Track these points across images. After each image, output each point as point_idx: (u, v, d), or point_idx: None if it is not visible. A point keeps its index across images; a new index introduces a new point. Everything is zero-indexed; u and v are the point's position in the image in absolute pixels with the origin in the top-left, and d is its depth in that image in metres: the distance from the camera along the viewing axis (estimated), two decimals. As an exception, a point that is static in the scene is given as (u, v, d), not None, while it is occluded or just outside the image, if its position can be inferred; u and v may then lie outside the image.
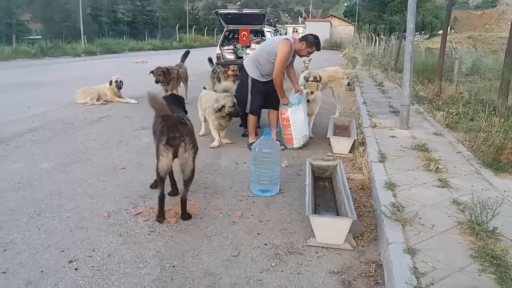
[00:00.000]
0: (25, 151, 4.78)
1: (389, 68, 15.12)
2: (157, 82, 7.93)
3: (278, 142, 4.65)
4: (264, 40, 13.80)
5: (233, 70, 8.54)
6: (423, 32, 46.83)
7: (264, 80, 5.36)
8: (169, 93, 7.87)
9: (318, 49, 5.25)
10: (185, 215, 3.45)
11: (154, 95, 3.08)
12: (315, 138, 6.13)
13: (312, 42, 5.15)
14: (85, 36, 25.71)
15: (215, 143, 5.64)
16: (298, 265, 2.83)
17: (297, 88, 5.63)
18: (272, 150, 3.97)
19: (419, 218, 3.13)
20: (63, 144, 4.87)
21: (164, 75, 7.92)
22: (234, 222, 3.46)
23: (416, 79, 10.83)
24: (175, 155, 3.26)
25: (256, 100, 5.47)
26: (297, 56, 5.42)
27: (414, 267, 2.48)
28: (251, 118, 5.61)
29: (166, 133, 3.19)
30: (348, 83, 12.09)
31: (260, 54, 5.34)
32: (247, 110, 5.55)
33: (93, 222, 3.37)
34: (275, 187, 4.07)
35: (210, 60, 10.30)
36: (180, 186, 3.77)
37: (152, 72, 8.00)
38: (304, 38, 5.21)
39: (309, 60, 12.46)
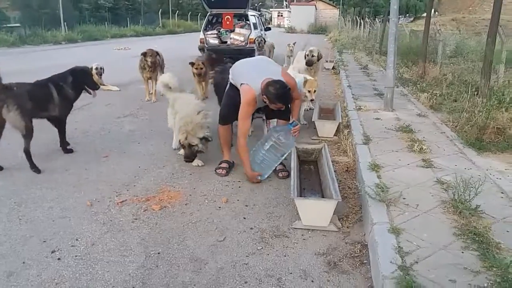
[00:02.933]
0: (3, 141, 4.65)
1: (373, 51, 15.14)
2: (152, 62, 7.44)
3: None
4: (248, 24, 13.67)
5: (197, 68, 7.42)
6: (407, 15, 46.82)
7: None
8: (153, 82, 7.68)
9: (285, 103, 3.88)
10: (33, 167, 4.15)
11: None
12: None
13: (274, 98, 3.74)
14: (65, 23, 25.03)
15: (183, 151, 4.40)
16: (284, 247, 2.84)
17: (295, 117, 4.30)
18: (288, 142, 3.93)
19: (403, 198, 3.15)
20: (44, 132, 4.75)
21: (156, 58, 7.55)
22: (220, 207, 3.44)
23: (401, 62, 10.86)
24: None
25: (227, 108, 4.25)
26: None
27: (399, 246, 2.50)
28: (221, 130, 4.32)
29: None
30: (333, 66, 12.13)
31: (234, 74, 4.25)
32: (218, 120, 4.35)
33: (75, 212, 3.32)
34: (268, 172, 4.04)
35: (201, 49, 8.89)
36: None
37: (144, 53, 7.56)
38: (265, 92, 3.76)
39: (293, 43, 12.40)
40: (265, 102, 3.87)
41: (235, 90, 4.14)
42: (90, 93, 4.77)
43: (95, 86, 4.81)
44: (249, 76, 4.03)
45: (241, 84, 3.99)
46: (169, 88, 4.83)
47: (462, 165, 3.87)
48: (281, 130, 3.97)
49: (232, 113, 4.09)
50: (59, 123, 4.68)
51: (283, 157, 3.99)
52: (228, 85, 4.35)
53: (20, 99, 4.00)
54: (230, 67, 4.54)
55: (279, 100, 3.77)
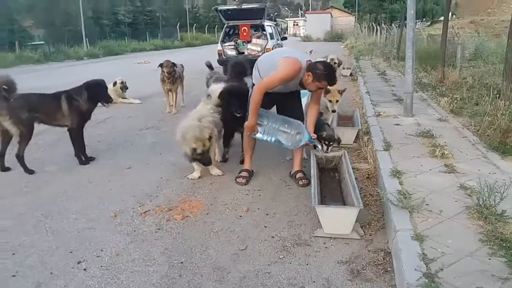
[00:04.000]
0: (30, 155, 4.81)
1: (391, 57, 15.01)
2: (169, 73, 7.54)
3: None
4: (264, 34, 13.78)
5: (167, 66, 7.49)
6: (424, 19, 46.41)
7: (269, 91, 3.93)
8: (173, 94, 7.80)
9: (331, 82, 3.80)
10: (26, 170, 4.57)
11: None
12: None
13: (321, 75, 3.65)
14: (87, 39, 25.77)
15: (195, 174, 4.34)
16: (306, 256, 2.83)
17: (311, 130, 4.01)
18: (295, 143, 3.93)
19: (426, 205, 3.10)
20: (69, 146, 4.90)
21: (173, 69, 7.66)
22: (240, 216, 3.46)
23: (419, 66, 10.74)
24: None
25: None
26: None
27: (423, 253, 2.47)
28: (245, 135, 4.22)
29: None
30: (351, 73, 12.09)
31: (262, 61, 4.12)
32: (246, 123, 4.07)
33: (100, 223, 3.39)
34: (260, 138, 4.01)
35: (209, 65, 7.63)
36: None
37: (161, 64, 7.69)
38: (312, 68, 3.70)
39: (310, 52, 12.43)
40: (300, 85, 3.84)
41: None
42: (104, 105, 4.97)
43: (108, 99, 4.96)
44: (294, 53, 3.95)
45: (284, 58, 3.79)
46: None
47: (485, 170, 3.80)
48: (302, 132, 3.90)
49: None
50: (70, 133, 4.84)
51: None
52: (251, 89, 4.09)
53: (13, 109, 4.40)
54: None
55: (326, 77, 3.67)
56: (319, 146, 4.06)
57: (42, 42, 25.12)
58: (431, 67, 10.58)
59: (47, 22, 27.56)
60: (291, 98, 4.14)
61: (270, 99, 3.98)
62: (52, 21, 27.36)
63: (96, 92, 4.80)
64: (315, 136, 3.98)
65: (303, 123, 4.01)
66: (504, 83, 6.06)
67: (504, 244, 2.50)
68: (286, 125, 3.93)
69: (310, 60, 3.80)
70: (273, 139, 3.97)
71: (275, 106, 4.28)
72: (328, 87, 4.22)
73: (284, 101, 4.15)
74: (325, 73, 3.65)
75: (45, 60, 20.47)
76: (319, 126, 4.19)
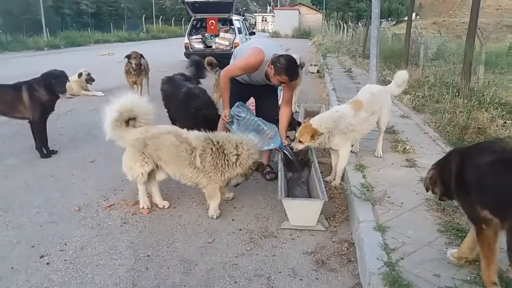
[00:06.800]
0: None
1: (357, 55, 15.34)
2: (137, 64, 7.43)
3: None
4: (232, 29, 13.73)
5: (135, 58, 7.45)
6: (389, 18, 47.57)
7: (243, 81, 4.04)
8: (138, 86, 7.67)
9: (291, 78, 3.68)
10: None
11: None
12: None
13: (281, 69, 3.58)
14: (47, 29, 24.74)
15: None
16: (273, 247, 2.87)
17: (283, 136, 3.96)
18: (266, 145, 3.87)
19: (388, 197, 3.22)
20: (29, 139, 4.72)
21: (140, 61, 7.51)
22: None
23: (384, 65, 11.03)
24: None
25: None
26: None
27: (385, 243, 2.57)
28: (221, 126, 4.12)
29: None
30: (318, 70, 12.25)
31: (239, 49, 4.16)
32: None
33: (63, 216, 3.31)
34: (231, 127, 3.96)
35: (210, 63, 6.66)
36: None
37: (128, 56, 7.55)
38: (274, 61, 3.64)
39: (286, 51, 12.45)
40: (267, 79, 3.78)
41: (236, 82, 3.94)
42: (59, 95, 4.77)
43: (63, 90, 4.74)
44: (264, 44, 3.93)
45: (251, 47, 3.83)
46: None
47: (444, 164, 3.96)
48: (275, 137, 3.87)
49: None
50: (32, 125, 4.69)
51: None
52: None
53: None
54: (179, 76, 4.72)
55: (286, 72, 3.60)
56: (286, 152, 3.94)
57: (-1, 31, 23.93)
58: (395, 65, 10.87)
59: (3, 10, 26.25)
60: (267, 95, 4.14)
61: (246, 88, 4.02)
62: (9, 9, 26.07)
63: (52, 82, 4.61)
64: (286, 142, 3.95)
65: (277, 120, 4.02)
66: (462, 81, 6.34)
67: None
68: (261, 128, 3.93)
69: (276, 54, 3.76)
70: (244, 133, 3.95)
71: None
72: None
73: (260, 96, 4.13)
74: (285, 67, 3.59)
75: (1, 49, 19.53)
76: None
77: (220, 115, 4.04)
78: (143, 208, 3.42)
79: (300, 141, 3.66)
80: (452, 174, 2.18)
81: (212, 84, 6.66)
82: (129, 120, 3.34)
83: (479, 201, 2.02)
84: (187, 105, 4.47)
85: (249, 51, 3.80)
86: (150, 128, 3.32)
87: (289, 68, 3.61)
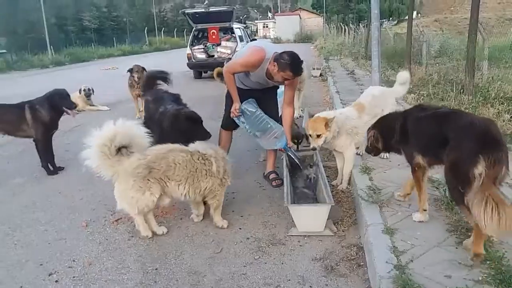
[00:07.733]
0: (-4, 168, 4.68)
1: (359, 56, 15.31)
2: (139, 78, 7.34)
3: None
4: (234, 37, 13.79)
5: (136, 75, 7.38)
6: (390, 18, 47.53)
7: (243, 87, 4.07)
8: (142, 99, 7.66)
9: (295, 73, 3.66)
10: None
11: None
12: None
13: (285, 64, 3.57)
14: (51, 47, 25.08)
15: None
16: (281, 255, 2.85)
17: (288, 137, 3.97)
18: (271, 143, 3.92)
19: (395, 199, 3.18)
20: (36, 157, 4.76)
21: (143, 74, 7.46)
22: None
23: (387, 65, 10.99)
24: None
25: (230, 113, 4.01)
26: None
27: (394, 246, 2.53)
28: (222, 134, 4.32)
29: None
30: (321, 73, 12.24)
31: (239, 51, 4.28)
32: (221, 124, 4.31)
33: (71, 233, 3.31)
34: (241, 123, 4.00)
35: (219, 74, 6.01)
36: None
37: (130, 70, 7.59)
38: (277, 57, 3.63)
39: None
40: (268, 77, 3.77)
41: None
42: (69, 114, 4.79)
43: (71, 106, 4.79)
44: (264, 43, 4.00)
45: (251, 46, 3.89)
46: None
47: (451, 163, 3.91)
48: (281, 138, 3.89)
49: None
50: (36, 144, 4.74)
51: (255, 138, 4.00)
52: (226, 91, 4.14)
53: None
54: (164, 93, 4.50)
55: (290, 67, 3.58)
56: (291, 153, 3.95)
57: (4, 51, 24.25)
58: (398, 65, 10.84)
59: (8, 30, 26.65)
60: (267, 100, 4.14)
61: (249, 95, 4.00)
62: (14, 28, 26.47)
63: (58, 101, 4.68)
64: (291, 144, 3.96)
65: (278, 121, 4.04)
66: (466, 78, 6.28)
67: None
68: (269, 126, 3.91)
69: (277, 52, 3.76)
70: (250, 131, 3.96)
71: None
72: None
73: (260, 102, 4.07)
74: (289, 62, 3.57)
75: (7, 69, 19.79)
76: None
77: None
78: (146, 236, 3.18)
79: (317, 136, 3.59)
80: (397, 125, 2.87)
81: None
82: (121, 148, 3.03)
83: (415, 146, 2.76)
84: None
85: (250, 49, 3.86)
86: (147, 151, 3.08)
87: (293, 63, 3.61)
